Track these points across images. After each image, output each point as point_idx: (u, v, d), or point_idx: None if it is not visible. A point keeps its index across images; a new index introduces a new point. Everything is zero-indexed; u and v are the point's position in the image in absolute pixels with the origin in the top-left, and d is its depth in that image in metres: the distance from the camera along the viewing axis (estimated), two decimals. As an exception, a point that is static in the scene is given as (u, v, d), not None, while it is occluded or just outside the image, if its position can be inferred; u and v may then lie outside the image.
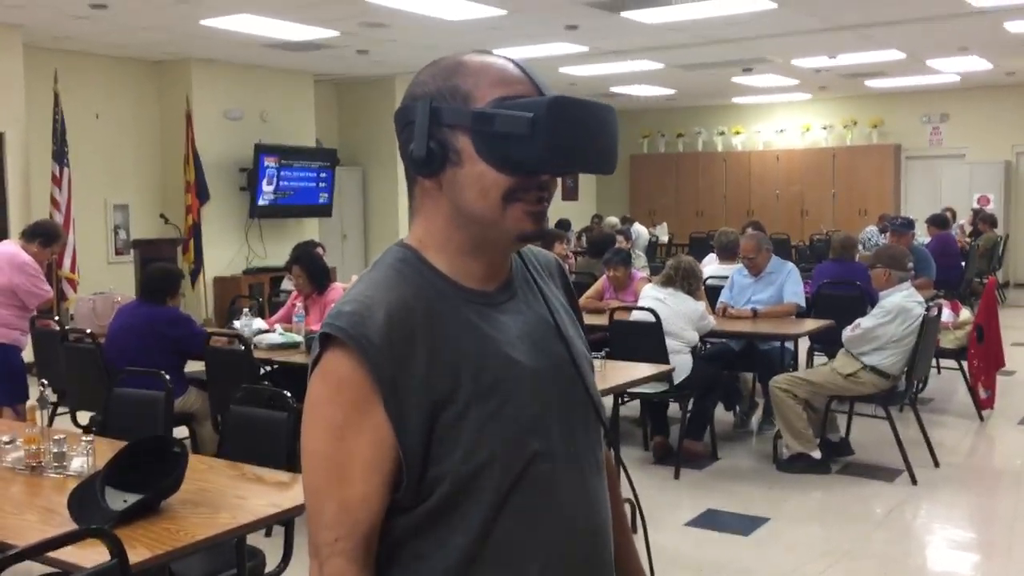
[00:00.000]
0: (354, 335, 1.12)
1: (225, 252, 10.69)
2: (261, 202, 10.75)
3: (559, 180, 1.22)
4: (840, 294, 6.54)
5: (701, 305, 5.61)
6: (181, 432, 4.81)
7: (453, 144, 1.16)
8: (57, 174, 8.77)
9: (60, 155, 8.81)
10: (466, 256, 1.21)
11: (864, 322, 5.26)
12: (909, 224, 8.29)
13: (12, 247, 5.57)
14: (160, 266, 5.23)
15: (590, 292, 6.61)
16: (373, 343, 1.11)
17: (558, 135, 1.11)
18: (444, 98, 1.17)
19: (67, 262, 8.68)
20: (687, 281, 5.53)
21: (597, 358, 4.68)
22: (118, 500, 2.45)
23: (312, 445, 1.15)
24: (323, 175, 11.52)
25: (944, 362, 7.25)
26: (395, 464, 1.13)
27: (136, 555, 2.14)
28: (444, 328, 1.16)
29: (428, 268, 1.21)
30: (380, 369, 1.11)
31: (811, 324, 6.02)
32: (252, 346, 4.95)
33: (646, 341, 5.22)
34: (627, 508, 1.48)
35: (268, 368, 5.31)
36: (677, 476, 5.32)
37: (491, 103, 1.14)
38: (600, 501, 1.28)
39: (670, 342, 5.24)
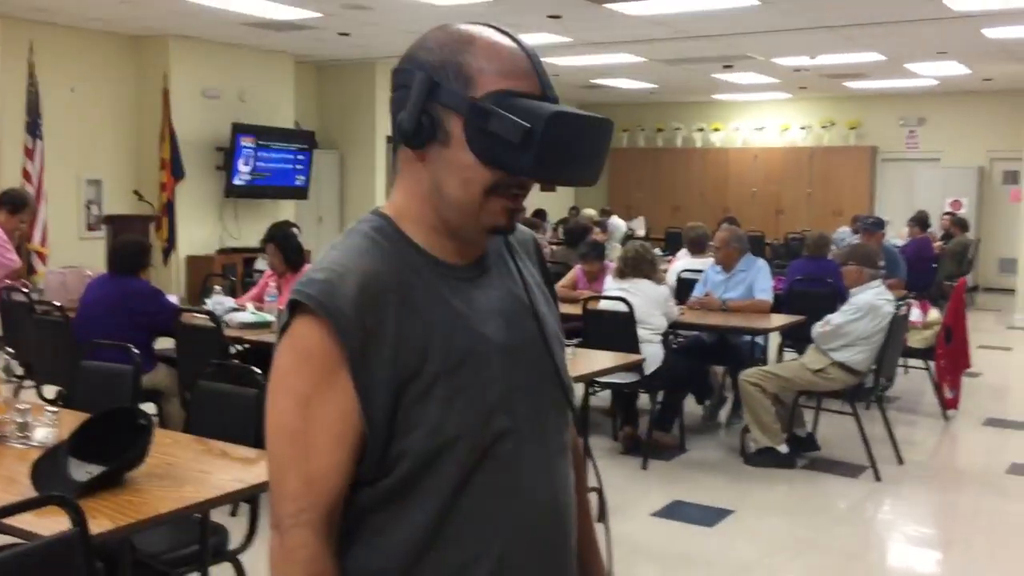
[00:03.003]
0: (325, 304, 1.10)
1: (199, 231, 10.60)
2: (237, 182, 10.66)
3: None
4: (812, 291, 6.60)
5: (664, 288, 5.64)
6: (149, 408, 4.77)
7: (444, 124, 1.14)
8: (30, 146, 8.66)
9: (34, 127, 8.70)
10: (439, 231, 1.20)
11: (834, 318, 5.30)
12: (879, 224, 8.38)
13: (-20, 217, 5.50)
14: (128, 238, 5.17)
15: (564, 281, 6.63)
16: (344, 313, 1.10)
17: (550, 150, 1.10)
18: (447, 74, 1.14)
19: (37, 236, 8.58)
20: (638, 267, 5.53)
21: (569, 346, 4.70)
22: (81, 471, 2.43)
23: (277, 415, 1.14)
24: (300, 157, 11.44)
25: (912, 362, 7.33)
26: (360, 436, 1.12)
27: (97, 525, 2.12)
28: (415, 301, 1.15)
29: (403, 239, 1.19)
30: (350, 340, 1.10)
31: (782, 319, 6.07)
32: (223, 324, 4.92)
33: (618, 331, 5.24)
34: (593, 497, 1.49)
35: (239, 347, 5.28)
36: (645, 467, 5.35)
37: (492, 95, 1.12)
38: (564, 483, 1.27)
39: (640, 331, 5.26)
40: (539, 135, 1.09)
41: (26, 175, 8.61)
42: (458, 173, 1.15)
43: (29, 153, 8.65)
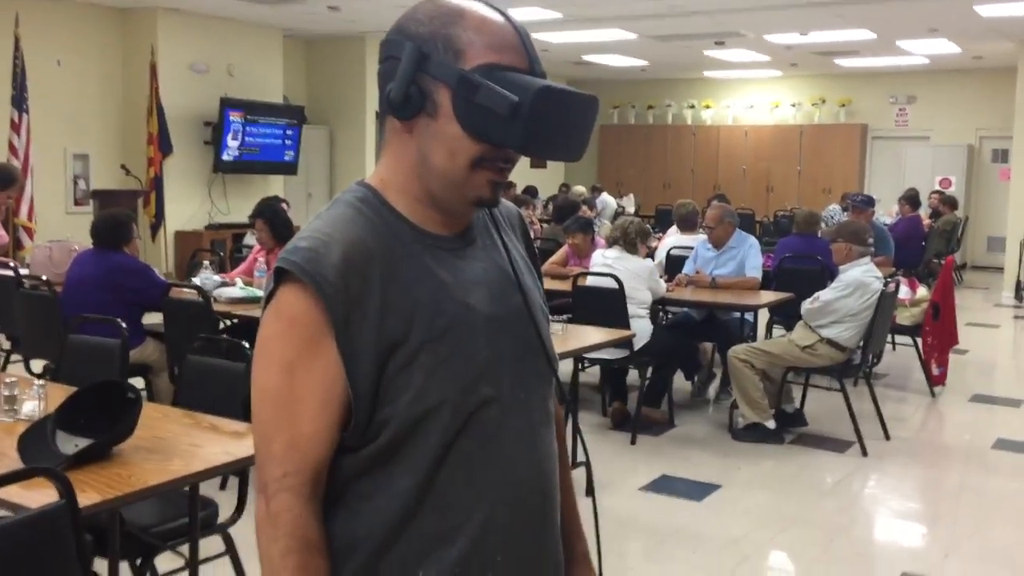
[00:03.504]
0: (309, 271, 1.11)
1: (187, 206, 10.55)
2: (225, 157, 10.60)
3: None
4: (801, 268, 6.61)
5: (649, 262, 5.66)
6: (138, 383, 4.77)
7: (433, 96, 1.14)
8: (16, 120, 8.58)
9: (19, 101, 8.62)
10: (425, 203, 1.21)
11: (823, 295, 5.32)
12: (869, 201, 8.40)
13: (-34, 191, 5.46)
14: (109, 212, 5.12)
15: (554, 258, 6.63)
16: (328, 280, 1.10)
17: (537, 124, 1.11)
18: (436, 46, 1.14)
19: (24, 210, 8.53)
20: (628, 240, 5.56)
21: (559, 322, 4.71)
22: (69, 444, 2.42)
23: (263, 381, 1.14)
24: (289, 132, 11.38)
25: (899, 339, 7.36)
26: (345, 403, 1.13)
27: (86, 498, 2.12)
28: (400, 270, 1.15)
29: (388, 209, 1.20)
30: (334, 307, 1.10)
31: (771, 296, 6.09)
32: (212, 299, 4.90)
33: (608, 307, 5.25)
34: (581, 471, 1.50)
35: (228, 322, 5.27)
36: (634, 442, 5.38)
37: (481, 67, 1.13)
38: (548, 452, 1.29)
39: (627, 306, 5.26)
40: (526, 108, 1.10)
41: (12, 149, 8.54)
42: (445, 144, 1.15)
43: (15, 127, 8.58)
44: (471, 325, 1.18)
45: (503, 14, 1.19)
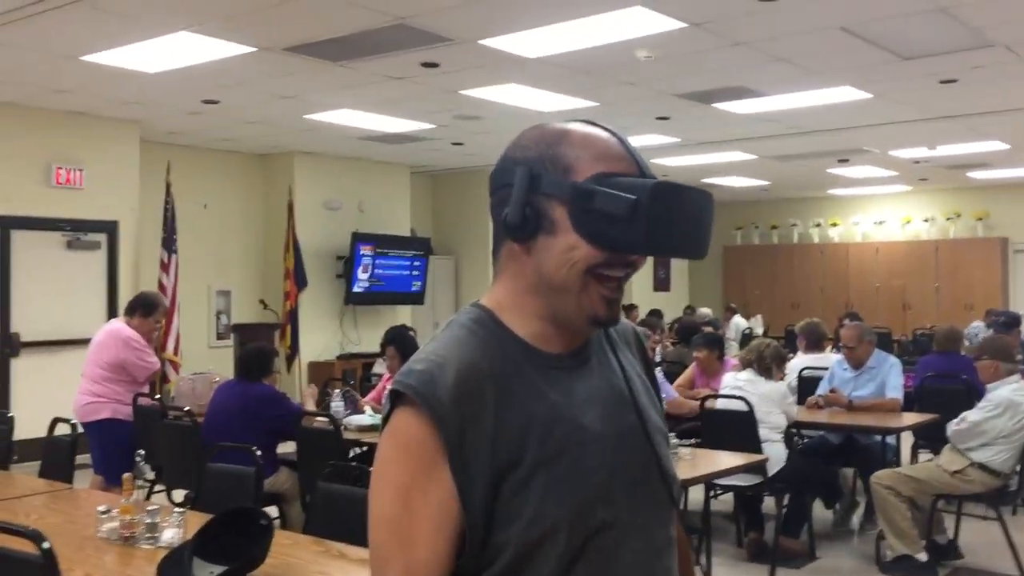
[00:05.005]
0: (423, 393, 1.11)
1: (320, 337, 10.93)
2: (356, 289, 11.00)
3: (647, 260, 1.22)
4: (945, 387, 6.29)
5: (783, 384, 5.47)
6: (271, 512, 4.85)
7: (548, 213, 1.16)
8: (165, 260, 9.15)
9: (169, 243, 9.21)
10: (542, 321, 1.21)
11: (971, 416, 5.02)
12: (1014, 321, 7.97)
13: (117, 324, 5.83)
14: (254, 345, 5.37)
15: (680, 380, 6.51)
16: (442, 402, 1.11)
17: (658, 220, 1.11)
18: (545, 166, 1.17)
19: (171, 345, 8.98)
20: (762, 363, 5.41)
21: (686, 446, 4.58)
22: (204, 571, 2.47)
23: (378, 505, 1.14)
24: (417, 263, 11.76)
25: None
26: (460, 528, 1.11)
27: (219, 626, 2.14)
28: (513, 390, 1.15)
29: (502, 330, 1.20)
30: (448, 429, 1.10)
31: (914, 418, 5.79)
32: (343, 427, 5.00)
33: (738, 430, 5.09)
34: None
35: (359, 450, 5.35)
36: (773, 574, 5.10)
37: (592, 178, 1.15)
38: None
39: (760, 431, 5.09)
40: (644, 207, 1.10)
41: (161, 288, 9.07)
42: (563, 255, 1.16)
43: (164, 267, 9.14)
44: (584, 446, 1.16)
45: (604, 128, 1.21)
